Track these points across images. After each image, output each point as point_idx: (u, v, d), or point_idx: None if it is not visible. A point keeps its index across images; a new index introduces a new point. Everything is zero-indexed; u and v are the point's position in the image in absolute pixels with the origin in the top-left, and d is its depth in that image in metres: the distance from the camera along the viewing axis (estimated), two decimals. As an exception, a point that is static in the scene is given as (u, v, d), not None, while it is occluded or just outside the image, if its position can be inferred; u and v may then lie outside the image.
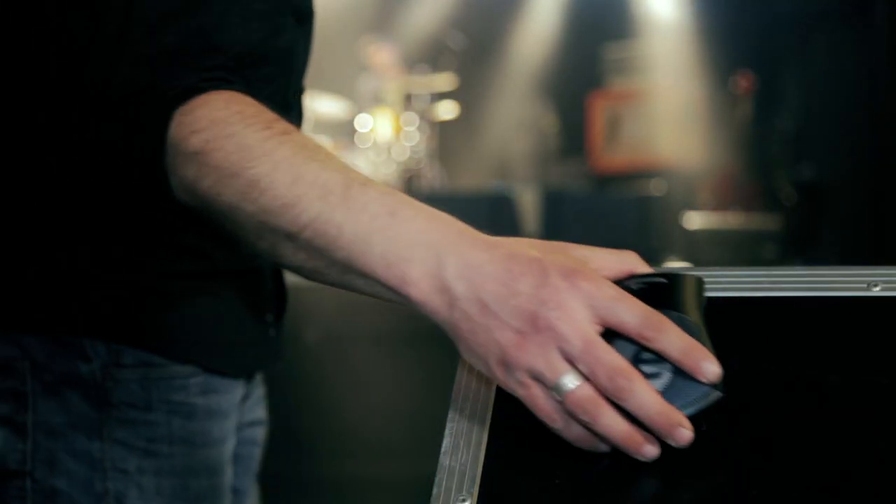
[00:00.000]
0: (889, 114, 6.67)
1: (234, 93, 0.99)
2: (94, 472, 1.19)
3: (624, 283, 0.82)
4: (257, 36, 1.08)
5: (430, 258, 0.84)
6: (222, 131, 0.95)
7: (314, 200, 0.88)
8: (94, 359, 1.18)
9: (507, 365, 0.80)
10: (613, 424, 0.77)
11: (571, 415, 0.78)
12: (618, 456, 0.77)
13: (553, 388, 0.78)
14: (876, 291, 0.89)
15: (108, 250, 1.18)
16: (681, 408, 0.76)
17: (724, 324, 0.85)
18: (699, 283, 0.84)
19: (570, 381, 0.78)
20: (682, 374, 0.77)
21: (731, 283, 0.91)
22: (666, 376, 0.77)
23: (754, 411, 0.79)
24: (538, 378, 0.79)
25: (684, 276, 0.84)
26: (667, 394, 0.76)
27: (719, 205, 7.47)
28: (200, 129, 0.96)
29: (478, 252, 0.83)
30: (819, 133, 7.54)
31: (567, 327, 0.78)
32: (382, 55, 7.82)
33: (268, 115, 0.97)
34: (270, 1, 1.12)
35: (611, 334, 0.78)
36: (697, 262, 6.01)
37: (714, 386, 0.77)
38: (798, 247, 6.59)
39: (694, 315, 0.81)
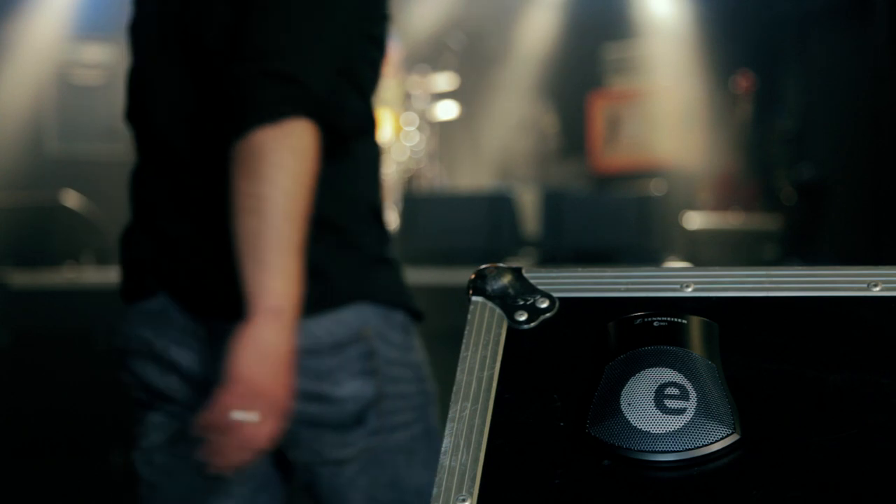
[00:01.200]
0: (889, 114, 6.67)
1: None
2: (417, 381, 1.87)
3: (646, 320, 0.83)
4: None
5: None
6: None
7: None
8: (402, 318, 1.86)
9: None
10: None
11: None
12: (618, 457, 0.77)
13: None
14: (876, 291, 0.89)
15: (386, 245, 1.88)
16: (701, 446, 0.77)
17: (725, 324, 0.85)
18: (715, 328, 0.85)
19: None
20: (704, 413, 0.78)
21: (731, 283, 0.91)
22: (689, 414, 0.78)
23: (754, 411, 0.80)
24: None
25: (703, 320, 0.85)
26: (688, 430, 0.77)
27: (719, 205, 7.46)
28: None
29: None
30: (819, 133, 7.53)
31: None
32: (382, 55, 7.80)
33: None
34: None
35: (634, 367, 0.80)
36: (697, 262, 6.01)
37: (732, 427, 0.78)
38: (798, 247, 6.58)
39: (707, 355, 0.82)
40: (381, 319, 1.81)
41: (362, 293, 1.79)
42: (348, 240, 1.80)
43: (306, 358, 1.72)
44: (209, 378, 1.73)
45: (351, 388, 1.78)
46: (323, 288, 1.74)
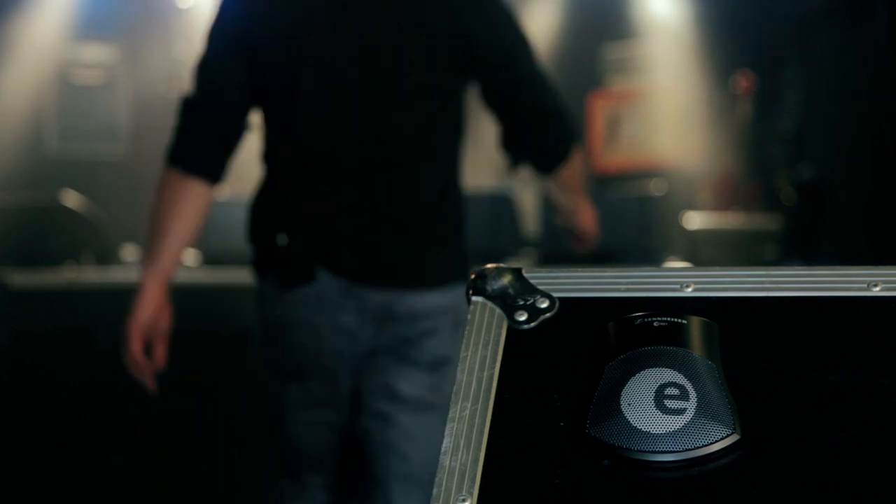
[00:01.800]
0: (889, 114, 6.67)
1: None
2: None
3: (646, 320, 0.83)
4: None
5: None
6: None
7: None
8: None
9: None
10: None
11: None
12: (618, 457, 0.77)
13: None
14: (876, 291, 0.89)
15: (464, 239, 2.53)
16: (701, 446, 0.77)
17: (725, 324, 0.85)
18: (715, 328, 0.85)
19: None
20: (704, 413, 0.78)
21: (731, 283, 0.91)
22: (689, 414, 0.78)
23: (754, 411, 0.80)
24: None
25: (703, 320, 0.85)
26: (688, 431, 0.77)
27: (719, 205, 7.46)
28: None
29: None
30: (819, 133, 7.53)
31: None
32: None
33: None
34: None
35: (634, 367, 0.80)
36: (697, 262, 6.01)
37: (732, 428, 0.78)
38: (798, 247, 6.58)
39: (707, 355, 0.82)
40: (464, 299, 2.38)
41: (463, 276, 2.36)
42: (459, 235, 2.52)
43: (421, 320, 2.31)
44: (364, 325, 2.30)
45: (436, 343, 2.31)
46: (441, 270, 2.39)
